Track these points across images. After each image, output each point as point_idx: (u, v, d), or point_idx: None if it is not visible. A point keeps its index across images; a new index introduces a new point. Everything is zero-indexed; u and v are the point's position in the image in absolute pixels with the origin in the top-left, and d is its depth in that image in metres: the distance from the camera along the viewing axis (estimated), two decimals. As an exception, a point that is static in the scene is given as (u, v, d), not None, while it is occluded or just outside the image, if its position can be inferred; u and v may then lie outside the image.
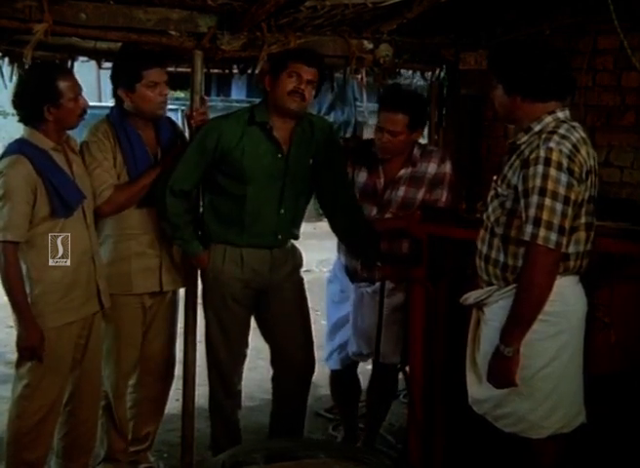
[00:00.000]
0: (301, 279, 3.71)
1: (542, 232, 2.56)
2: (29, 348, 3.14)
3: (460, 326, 3.10)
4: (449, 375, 3.38)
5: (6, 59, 3.83)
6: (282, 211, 3.49)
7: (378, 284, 3.72)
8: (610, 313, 2.96)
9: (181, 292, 3.68)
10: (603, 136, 4.03)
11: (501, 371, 2.69)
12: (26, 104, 3.17)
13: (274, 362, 3.72)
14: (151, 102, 3.41)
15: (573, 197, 2.60)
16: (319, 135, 3.54)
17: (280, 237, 3.53)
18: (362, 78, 4.38)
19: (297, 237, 3.66)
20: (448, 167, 3.74)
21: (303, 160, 3.51)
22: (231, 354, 3.63)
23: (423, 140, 4.86)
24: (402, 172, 3.72)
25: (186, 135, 3.68)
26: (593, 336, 2.89)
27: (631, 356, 2.99)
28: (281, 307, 3.60)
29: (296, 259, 3.66)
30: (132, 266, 3.48)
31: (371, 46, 4.08)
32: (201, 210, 3.61)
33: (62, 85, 3.14)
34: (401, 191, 3.71)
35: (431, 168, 3.72)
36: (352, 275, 3.83)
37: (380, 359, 3.79)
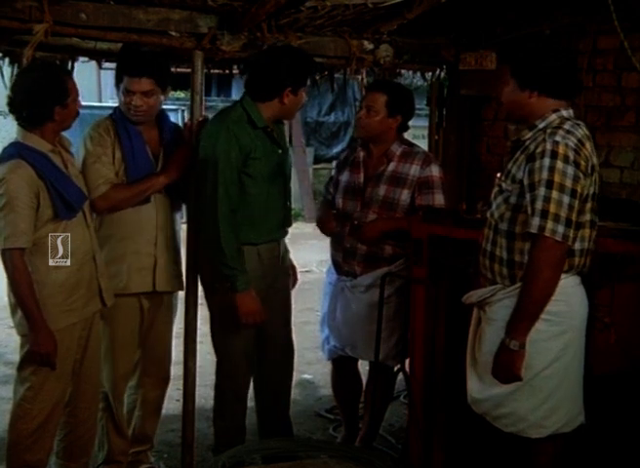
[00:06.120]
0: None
1: (550, 224, 2.56)
2: (43, 354, 3.10)
3: (461, 325, 3.10)
4: (449, 375, 3.39)
5: (6, 60, 3.83)
6: (287, 203, 3.63)
7: (358, 279, 3.73)
8: (610, 313, 2.96)
9: (181, 293, 3.67)
10: (603, 136, 4.03)
11: (507, 365, 2.69)
12: (38, 104, 3.09)
13: (260, 349, 3.65)
14: (124, 106, 3.40)
15: (579, 190, 2.61)
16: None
17: (286, 229, 3.65)
18: (362, 78, 4.39)
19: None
20: (434, 170, 3.70)
21: (287, 150, 3.71)
22: (249, 358, 3.60)
23: (423, 141, 4.88)
24: (382, 168, 3.73)
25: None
26: (593, 336, 2.89)
27: (631, 356, 3.00)
28: (282, 292, 3.66)
29: (285, 244, 3.75)
30: (127, 265, 3.46)
31: (371, 46, 4.09)
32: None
33: (70, 85, 3.14)
34: (382, 190, 3.71)
35: (414, 170, 3.69)
36: (337, 267, 3.86)
37: (356, 354, 3.82)
